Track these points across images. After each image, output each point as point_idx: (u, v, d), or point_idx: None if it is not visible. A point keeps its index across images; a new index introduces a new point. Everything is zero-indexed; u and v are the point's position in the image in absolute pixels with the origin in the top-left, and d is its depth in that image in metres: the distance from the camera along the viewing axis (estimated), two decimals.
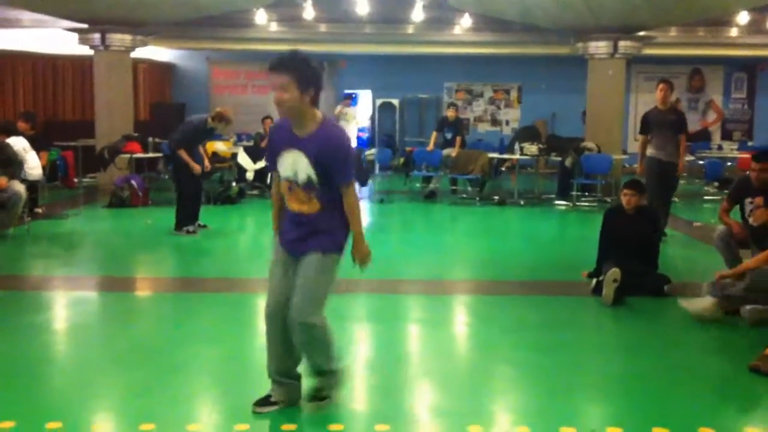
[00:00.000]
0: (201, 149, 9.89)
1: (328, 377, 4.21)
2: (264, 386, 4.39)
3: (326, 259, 4.03)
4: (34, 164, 10.10)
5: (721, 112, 20.97)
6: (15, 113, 13.21)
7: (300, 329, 3.99)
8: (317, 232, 4.02)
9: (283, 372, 4.23)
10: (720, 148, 18.10)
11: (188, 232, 9.56)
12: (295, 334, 4.02)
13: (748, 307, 6.04)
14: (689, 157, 16.33)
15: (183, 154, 9.33)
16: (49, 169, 11.18)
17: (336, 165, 3.93)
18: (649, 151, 9.45)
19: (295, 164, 3.96)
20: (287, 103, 3.87)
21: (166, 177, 14.67)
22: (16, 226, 9.40)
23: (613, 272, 6.49)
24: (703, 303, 6.20)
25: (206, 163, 9.99)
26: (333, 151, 3.92)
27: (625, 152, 15.15)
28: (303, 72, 3.87)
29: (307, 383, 4.29)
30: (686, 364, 5.28)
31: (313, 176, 3.93)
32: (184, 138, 9.45)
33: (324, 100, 20.07)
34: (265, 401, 4.24)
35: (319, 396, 4.24)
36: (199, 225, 9.78)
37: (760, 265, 6.04)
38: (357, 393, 4.57)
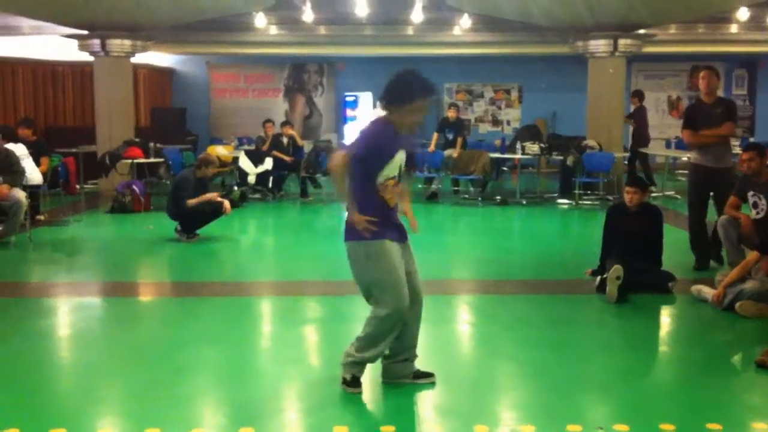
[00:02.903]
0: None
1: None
2: (268, 388, 4.38)
3: None
4: (31, 171, 10.06)
5: None
6: (15, 120, 13.20)
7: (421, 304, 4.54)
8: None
9: (400, 351, 4.57)
10: (687, 144, 18.02)
11: (189, 237, 9.53)
12: (420, 310, 4.52)
13: (738, 303, 6.08)
14: (691, 154, 16.35)
15: (192, 204, 9.42)
16: (51, 176, 11.15)
17: (414, 153, 4.67)
18: (693, 155, 8.04)
19: (401, 162, 4.39)
20: None
21: (168, 182, 14.68)
22: (18, 234, 9.38)
23: (616, 269, 6.47)
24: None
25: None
26: (415, 145, 4.60)
27: (626, 149, 15.13)
28: None
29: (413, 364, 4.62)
30: (692, 359, 5.26)
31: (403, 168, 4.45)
32: (184, 198, 9.41)
33: (325, 103, 20.01)
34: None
35: (425, 373, 4.65)
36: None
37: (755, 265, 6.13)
38: (362, 393, 4.55)
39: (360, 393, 4.45)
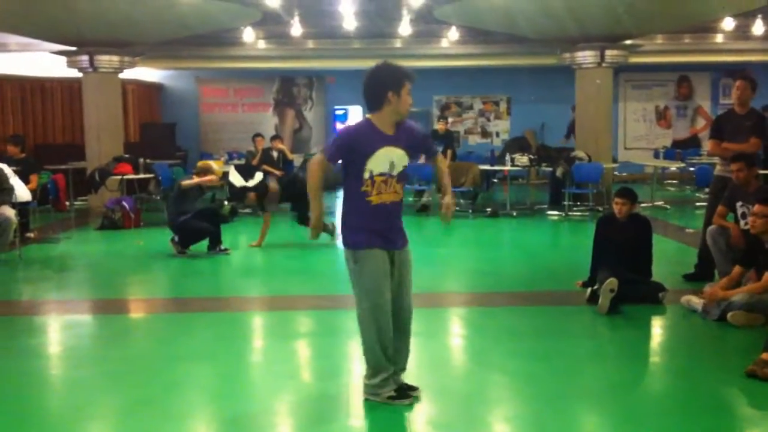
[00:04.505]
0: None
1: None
2: (259, 404, 4.36)
3: None
4: (18, 188, 10.00)
5: (710, 118, 21.07)
6: (4, 137, 13.18)
7: (410, 320, 4.54)
8: (400, 220, 4.50)
9: (395, 362, 4.55)
10: (710, 154, 18.14)
11: (180, 252, 9.54)
12: (408, 324, 4.54)
13: (730, 313, 6.11)
14: (680, 164, 16.44)
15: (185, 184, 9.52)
16: (40, 193, 11.12)
17: (425, 143, 4.65)
18: (717, 167, 7.86)
19: (391, 158, 4.34)
20: None
21: (158, 198, 14.65)
22: (8, 251, 9.36)
23: (610, 282, 6.47)
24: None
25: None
26: (420, 135, 4.56)
27: (615, 161, 15.20)
28: None
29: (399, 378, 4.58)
30: (683, 370, 5.27)
31: (405, 165, 4.43)
32: (177, 207, 9.51)
33: (314, 117, 20.01)
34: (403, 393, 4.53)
35: (410, 387, 4.63)
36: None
37: (755, 290, 6.12)
38: (353, 408, 4.54)
39: (410, 401, 4.49)
